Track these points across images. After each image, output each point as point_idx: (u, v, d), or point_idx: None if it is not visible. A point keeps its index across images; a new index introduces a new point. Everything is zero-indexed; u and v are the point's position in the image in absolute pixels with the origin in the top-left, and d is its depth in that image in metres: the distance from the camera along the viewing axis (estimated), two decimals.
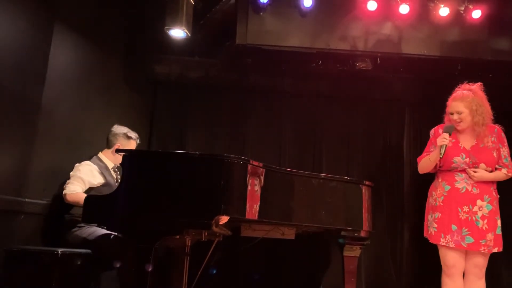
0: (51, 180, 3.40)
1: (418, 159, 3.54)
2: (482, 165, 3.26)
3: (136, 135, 3.76)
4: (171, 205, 2.77)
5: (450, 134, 3.28)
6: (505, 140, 3.39)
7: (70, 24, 3.55)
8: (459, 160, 3.28)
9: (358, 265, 4.01)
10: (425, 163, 3.41)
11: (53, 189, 3.42)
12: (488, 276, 3.30)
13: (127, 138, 3.67)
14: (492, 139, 3.33)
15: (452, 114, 3.33)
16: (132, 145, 3.71)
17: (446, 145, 3.22)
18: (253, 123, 5.02)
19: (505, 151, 3.35)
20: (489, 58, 4.50)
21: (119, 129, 3.68)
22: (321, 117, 5.06)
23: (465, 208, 3.22)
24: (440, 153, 3.23)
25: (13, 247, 2.93)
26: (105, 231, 3.21)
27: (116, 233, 3.15)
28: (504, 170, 3.31)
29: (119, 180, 3.61)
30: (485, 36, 4.47)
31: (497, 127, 3.38)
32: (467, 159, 3.27)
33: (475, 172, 3.24)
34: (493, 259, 3.38)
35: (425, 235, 3.46)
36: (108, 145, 3.67)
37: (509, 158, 3.35)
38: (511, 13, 4.45)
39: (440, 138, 3.26)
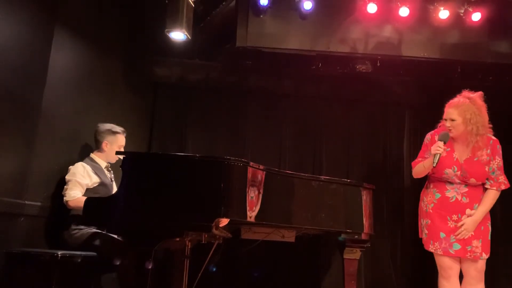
0: (51, 182, 3.40)
1: (412, 164, 3.48)
2: (472, 180, 3.21)
3: (122, 129, 3.67)
4: (171, 208, 2.76)
5: (445, 143, 3.18)
6: (499, 152, 3.26)
7: (71, 26, 3.55)
8: (450, 172, 3.23)
9: (358, 267, 4.01)
10: (419, 169, 3.38)
11: (53, 191, 3.41)
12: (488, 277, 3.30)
13: (112, 134, 3.60)
14: (488, 151, 3.23)
15: (446, 120, 3.25)
16: (120, 139, 3.63)
17: (440, 154, 3.14)
18: (253, 126, 5.03)
19: (494, 164, 3.22)
20: (489, 60, 4.51)
21: (103, 126, 3.61)
22: (321, 119, 5.07)
23: (454, 217, 3.21)
24: (433, 162, 3.14)
25: (13, 250, 2.93)
26: (105, 233, 3.21)
27: (116, 235, 3.15)
28: (487, 184, 3.23)
29: (113, 179, 3.62)
30: (485, 39, 4.48)
31: (493, 139, 3.26)
32: (458, 172, 3.21)
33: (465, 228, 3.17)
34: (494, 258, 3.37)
35: (420, 236, 3.48)
36: (96, 145, 3.63)
37: (497, 171, 3.23)
38: (511, 16, 4.45)
39: (435, 146, 3.17)
